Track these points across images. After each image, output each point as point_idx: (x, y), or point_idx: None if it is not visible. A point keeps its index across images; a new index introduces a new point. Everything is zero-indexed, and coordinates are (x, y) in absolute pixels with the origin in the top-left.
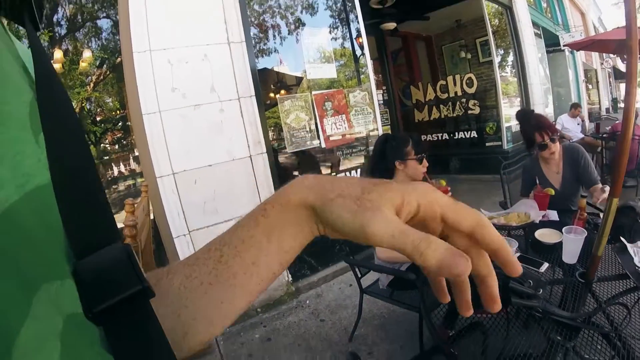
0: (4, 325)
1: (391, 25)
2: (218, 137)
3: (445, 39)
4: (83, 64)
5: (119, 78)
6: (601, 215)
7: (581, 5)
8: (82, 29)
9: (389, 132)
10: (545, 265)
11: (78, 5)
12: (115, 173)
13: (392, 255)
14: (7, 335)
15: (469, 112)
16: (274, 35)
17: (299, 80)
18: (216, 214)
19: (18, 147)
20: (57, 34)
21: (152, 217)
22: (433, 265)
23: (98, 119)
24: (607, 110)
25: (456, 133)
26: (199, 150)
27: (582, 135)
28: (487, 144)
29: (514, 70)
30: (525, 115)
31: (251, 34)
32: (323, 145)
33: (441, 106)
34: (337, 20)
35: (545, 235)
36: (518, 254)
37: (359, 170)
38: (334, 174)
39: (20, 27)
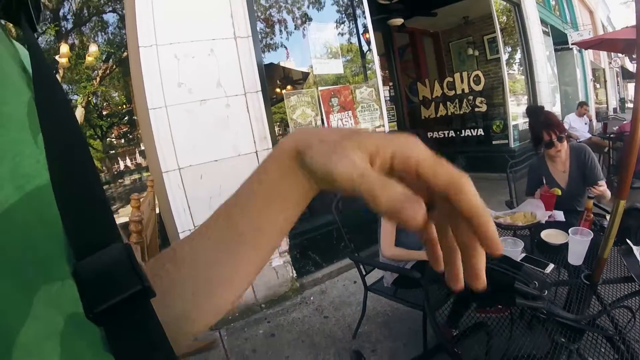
0: (4, 325)
1: (398, 21)
2: (224, 133)
3: (452, 35)
4: (89, 58)
5: (125, 72)
6: (607, 217)
7: (590, 3)
8: (88, 23)
9: (396, 128)
10: (551, 266)
11: None
12: (122, 167)
13: (397, 254)
14: (7, 335)
15: (476, 109)
16: (281, 30)
17: (305, 75)
18: None
19: (17, 148)
20: (63, 29)
21: (157, 211)
22: (382, 208)
23: (104, 113)
24: (615, 110)
25: (463, 130)
26: (205, 145)
27: (589, 135)
28: (493, 142)
29: (521, 68)
30: (535, 112)
31: (258, 28)
32: None
33: (448, 103)
34: (344, 16)
35: (551, 236)
36: (524, 255)
37: None
38: None
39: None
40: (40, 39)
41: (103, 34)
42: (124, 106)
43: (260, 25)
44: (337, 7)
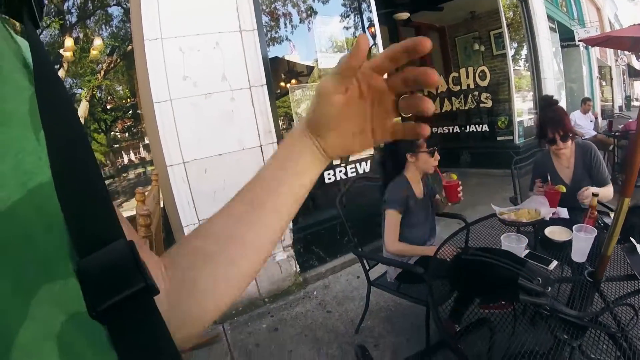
0: (3, 326)
1: (404, 15)
2: (229, 126)
3: (458, 30)
4: (94, 52)
5: (129, 66)
6: (612, 214)
7: (597, 0)
8: (93, 16)
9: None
10: (554, 263)
11: None
12: (126, 161)
13: (400, 249)
14: (7, 335)
15: (481, 105)
16: (286, 24)
17: (310, 69)
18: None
19: (20, 145)
20: (67, 22)
21: (162, 205)
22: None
23: (109, 107)
24: (620, 108)
25: (467, 126)
26: (209, 139)
27: (594, 133)
28: (498, 138)
29: (527, 64)
30: (547, 104)
31: (263, 22)
32: None
33: (453, 98)
34: (349, 9)
35: (555, 233)
36: (527, 251)
37: (369, 161)
38: (344, 165)
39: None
40: (44, 32)
41: (107, 27)
42: (128, 100)
43: (265, 19)
44: (342, 1)
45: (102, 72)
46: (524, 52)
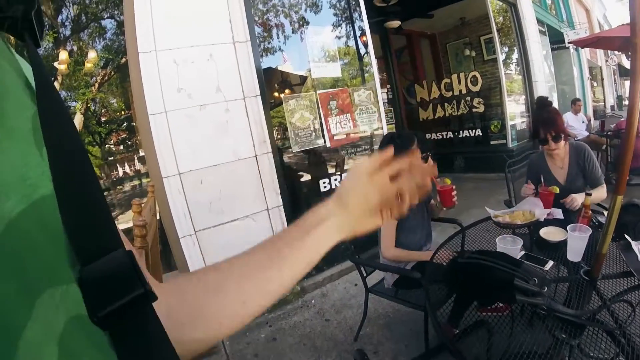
0: (9, 326)
1: (395, 23)
2: (224, 137)
3: (449, 36)
4: (88, 65)
5: (123, 78)
6: (605, 213)
7: (586, 2)
8: (87, 29)
9: (394, 130)
10: (550, 263)
11: (82, 5)
12: (121, 174)
13: (397, 254)
14: (12, 335)
15: (474, 110)
16: (278, 35)
17: (303, 79)
18: (222, 213)
19: (25, 159)
20: (61, 35)
21: (158, 217)
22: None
23: (103, 119)
24: (612, 107)
25: (461, 131)
26: (204, 150)
27: (587, 133)
28: (491, 142)
29: (518, 68)
30: (542, 105)
31: (256, 33)
32: (328, 145)
33: (446, 104)
34: (341, 19)
35: (550, 234)
36: (523, 252)
37: None
38: (339, 173)
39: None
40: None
41: (101, 40)
42: (123, 112)
43: (258, 30)
44: (334, 11)
45: (97, 85)
46: (515, 56)
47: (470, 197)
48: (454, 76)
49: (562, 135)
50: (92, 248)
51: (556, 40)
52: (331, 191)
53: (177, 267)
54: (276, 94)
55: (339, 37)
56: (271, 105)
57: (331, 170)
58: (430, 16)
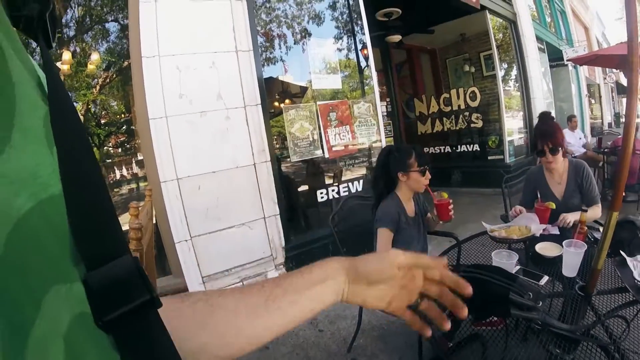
0: (19, 323)
1: (396, 37)
2: (223, 144)
3: (449, 52)
4: (90, 67)
5: (125, 81)
6: (601, 229)
7: (585, 20)
8: (91, 31)
9: (392, 143)
10: (545, 278)
11: (87, 7)
12: (118, 176)
13: None
14: (22, 331)
15: (472, 125)
16: (281, 45)
17: (304, 90)
18: (218, 220)
19: (37, 158)
20: (65, 36)
21: (154, 222)
22: (430, 262)
23: (103, 121)
24: (610, 125)
25: (459, 146)
26: (203, 156)
27: (584, 150)
28: (489, 158)
29: (517, 84)
30: (543, 118)
31: (258, 42)
32: (326, 156)
33: (444, 119)
34: (342, 32)
35: (545, 249)
36: (518, 267)
37: (361, 181)
38: (336, 184)
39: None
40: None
41: (104, 42)
42: (123, 115)
43: (260, 40)
44: (336, 23)
45: (98, 87)
46: (514, 72)
47: (466, 212)
48: (453, 91)
49: (560, 149)
50: (99, 253)
51: (555, 57)
52: (328, 202)
53: (171, 272)
54: (276, 104)
55: (340, 50)
56: (271, 114)
57: (329, 181)
58: (430, 32)
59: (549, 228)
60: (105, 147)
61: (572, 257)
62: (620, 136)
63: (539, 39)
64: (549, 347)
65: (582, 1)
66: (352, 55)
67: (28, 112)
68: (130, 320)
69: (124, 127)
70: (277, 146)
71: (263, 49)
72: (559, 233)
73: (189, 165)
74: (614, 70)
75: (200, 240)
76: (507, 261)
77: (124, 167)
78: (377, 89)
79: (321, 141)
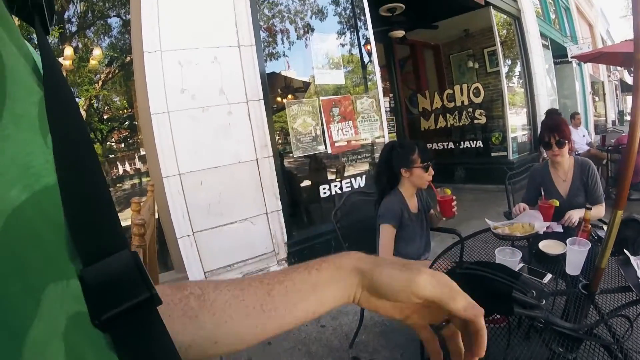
0: (15, 324)
1: (400, 33)
2: (225, 140)
3: (453, 48)
4: (92, 62)
5: (127, 77)
6: (605, 227)
7: (589, 17)
8: (93, 26)
9: (395, 139)
10: (549, 276)
11: (89, 2)
12: (121, 172)
13: None
14: (18, 334)
15: (475, 121)
16: (283, 40)
17: (306, 85)
18: (220, 216)
19: (29, 147)
20: (67, 31)
21: (156, 217)
22: (460, 308)
23: (105, 117)
24: (614, 122)
25: (462, 142)
26: (206, 151)
27: (587, 147)
28: (492, 154)
29: (521, 81)
30: (548, 114)
31: (261, 37)
32: (329, 151)
33: (447, 115)
34: (345, 27)
35: (549, 247)
36: (521, 265)
37: (364, 176)
38: (339, 179)
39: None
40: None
41: (106, 37)
42: (125, 110)
43: (263, 35)
44: (339, 19)
45: (100, 82)
46: (518, 69)
47: (470, 208)
48: (457, 87)
49: (566, 142)
50: (95, 247)
51: (559, 54)
52: (330, 197)
53: (173, 267)
54: (279, 99)
55: (344, 45)
56: (274, 109)
57: (331, 176)
58: (434, 27)
59: (552, 226)
60: (108, 143)
61: (575, 255)
62: (624, 134)
63: (543, 35)
64: (551, 345)
65: None
66: (355, 51)
67: (21, 98)
68: (128, 320)
69: (126, 123)
70: (280, 141)
71: (266, 43)
72: (562, 231)
73: (191, 161)
74: (618, 67)
75: (202, 235)
76: (510, 258)
77: (126, 162)
78: (380, 85)
79: (324, 136)
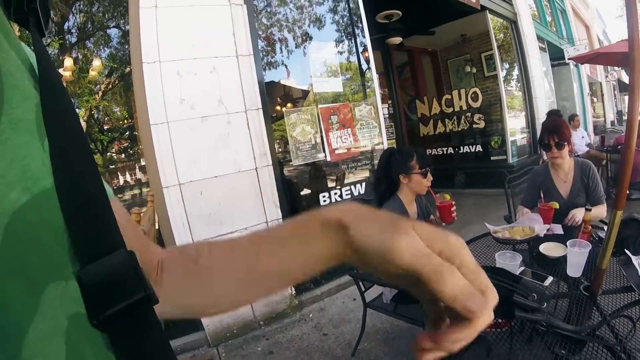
0: (15, 323)
1: (397, 39)
2: (224, 149)
3: (450, 53)
4: (92, 73)
5: (127, 87)
6: (605, 228)
7: (585, 18)
8: (92, 37)
9: (394, 146)
10: (550, 279)
11: (88, 14)
12: (121, 182)
13: None
14: (18, 333)
15: (474, 126)
16: (282, 49)
17: (305, 93)
18: (221, 225)
19: (26, 150)
20: (67, 42)
21: (157, 227)
22: (448, 293)
23: (105, 127)
24: (612, 123)
25: (461, 147)
26: (205, 161)
27: (587, 149)
28: (492, 158)
29: (518, 84)
30: (549, 115)
31: (259, 47)
32: (328, 159)
33: (446, 120)
34: (343, 35)
35: (549, 249)
36: (522, 268)
37: (363, 183)
38: (339, 187)
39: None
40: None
41: (106, 48)
42: (125, 121)
43: (261, 44)
44: (336, 27)
45: (100, 93)
46: (515, 72)
47: (470, 213)
48: (455, 92)
49: (566, 144)
50: (92, 247)
51: (556, 56)
52: (330, 205)
53: None
54: (278, 107)
55: (341, 53)
56: (273, 118)
57: (331, 184)
58: (431, 33)
59: (553, 228)
60: (108, 153)
61: (576, 256)
62: (622, 134)
63: (540, 38)
64: (554, 348)
65: None
66: (353, 58)
67: (19, 102)
68: (124, 319)
69: (126, 133)
70: (279, 150)
71: (264, 53)
72: (562, 233)
73: (190, 171)
74: (616, 68)
75: None
76: (510, 262)
77: (127, 172)
78: (378, 92)
79: (323, 144)
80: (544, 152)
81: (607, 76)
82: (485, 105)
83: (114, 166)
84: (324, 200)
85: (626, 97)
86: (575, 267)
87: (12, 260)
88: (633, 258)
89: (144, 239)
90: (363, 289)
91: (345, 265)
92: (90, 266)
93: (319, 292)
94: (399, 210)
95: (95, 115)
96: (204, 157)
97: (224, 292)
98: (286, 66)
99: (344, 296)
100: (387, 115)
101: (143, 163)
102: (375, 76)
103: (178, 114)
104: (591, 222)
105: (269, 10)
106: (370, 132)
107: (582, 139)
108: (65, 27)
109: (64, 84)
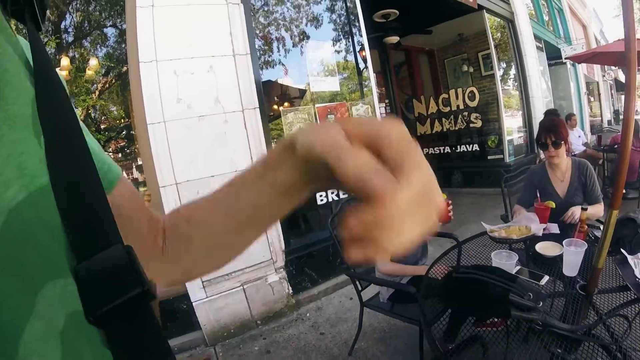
0: (10, 323)
1: (394, 38)
2: (221, 148)
3: (447, 52)
4: (89, 72)
5: (123, 87)
6: (601, 227)
7: (583, 17)
8: (89, 37)
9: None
10: (546, 278)
11: (85, 13)
12: None
13: (392, 269)
14: (13, 332)
15: (471, 125)
16: (279, 48)
17: (302, 92)
18: None
19: (23, 147)
20: (64, 41)
21: None
22: (349, 175)
23: (102, 126)
24: (609, 122)
25: (458, 146)
26: (202, 161)
27: (583, 148)
28: (489, 157)
29: (515, 84)
30: (546, 114)
31: (256, 46)
32: None
33: (443, 119)
34: (340, 34)
35: (545, 248)
36: (519, 267)
37: None
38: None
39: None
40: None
41: (103, 48)
42: (122, 120)
43: (258, 43)
44: (334, 26)
45: (97, 92)
46: (512, 72)
47: (467, 212)
48: (452, 91)
49: (563, 143)
50: (88, 243)
51: (553, 56)
52: (327, 204)
53: None
54: (275, 107)
55: (338, 52)
56: (270, 117)
57: None
58: (428, 32)
59: (549, 227)
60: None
61: (572, 256)
62: (619, 133)
63: (537, 37)
64: (550, 347)
65: None
66: (350, 57)
67: (14, 99)
68: (121, 315)
69: (123, 132)
70: None
71: (261, 52)
72: (559, 232)
73: (187, 170)
74: (613, 67)
75: None
76: (507, 262)
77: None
78: (375, 91)
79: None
80: (541, 151)
81: (604, 76)
82: (482, 105)
83: None
84: (321, 200)
85: (623, 97)
86: (571, 267)
87: (8, 259)
88: (629, 257)
89: (148, 211)
90: (360, 288)
91: (341, 265)
92: (86, 262)
93: (316, 291)
94: None
95: (92, 115)
96: (201, 156)
97: (218, 241)
98: (283, 65)
99: (340, 295)
100: (384, 115)
101: (140, 162)
102: (372, 75)
103: (175, 114)
104: (588, 221)
105: (265, 9)
106: None
107: (579, 138)
108: (62, 26)
109: (61, 78)
